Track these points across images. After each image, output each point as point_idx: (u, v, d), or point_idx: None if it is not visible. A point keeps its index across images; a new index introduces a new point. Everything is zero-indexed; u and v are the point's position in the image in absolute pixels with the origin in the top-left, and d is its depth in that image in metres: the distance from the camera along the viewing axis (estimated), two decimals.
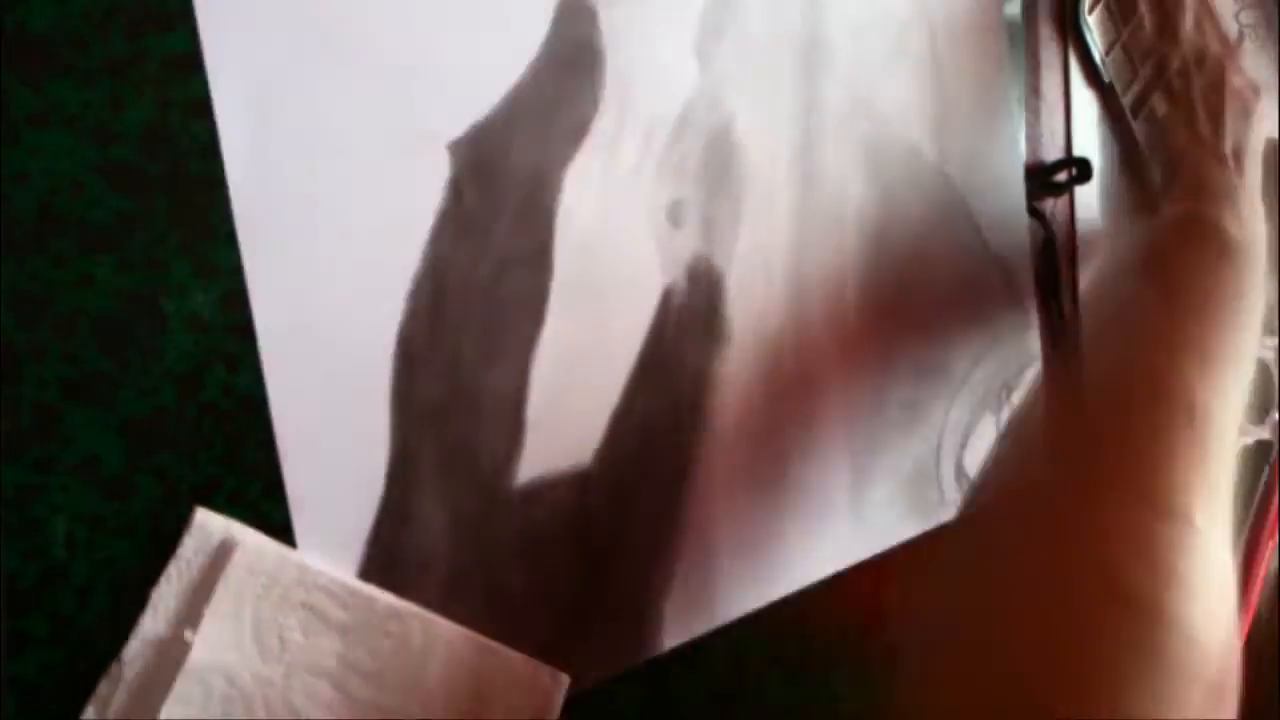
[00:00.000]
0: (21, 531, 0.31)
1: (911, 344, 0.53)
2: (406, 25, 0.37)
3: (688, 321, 0.44)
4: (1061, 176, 0.63)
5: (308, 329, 0.35)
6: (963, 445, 0.56)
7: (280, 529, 0.34)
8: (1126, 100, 0.67)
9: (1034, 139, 0.63)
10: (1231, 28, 0.77)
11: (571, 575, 0.41)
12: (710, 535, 0.45)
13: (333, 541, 0.36)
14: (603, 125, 0.42)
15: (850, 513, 0.50)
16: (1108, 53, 0.66)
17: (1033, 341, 0.59)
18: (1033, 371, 0.60)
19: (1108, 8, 0.66)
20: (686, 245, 0.44)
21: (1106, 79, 0.66)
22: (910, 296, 0.53)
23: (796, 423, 0.48)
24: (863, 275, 0.51)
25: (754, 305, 0.46)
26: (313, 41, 0.35)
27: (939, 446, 0.55)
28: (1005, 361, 0.58)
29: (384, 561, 0.37)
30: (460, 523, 0.38)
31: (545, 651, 0.40)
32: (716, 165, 0.45)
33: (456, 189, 0.38)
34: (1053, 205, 0.64)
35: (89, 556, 0.32)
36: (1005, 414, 0.59)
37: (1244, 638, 0.71)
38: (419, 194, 0.37)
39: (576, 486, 0.41)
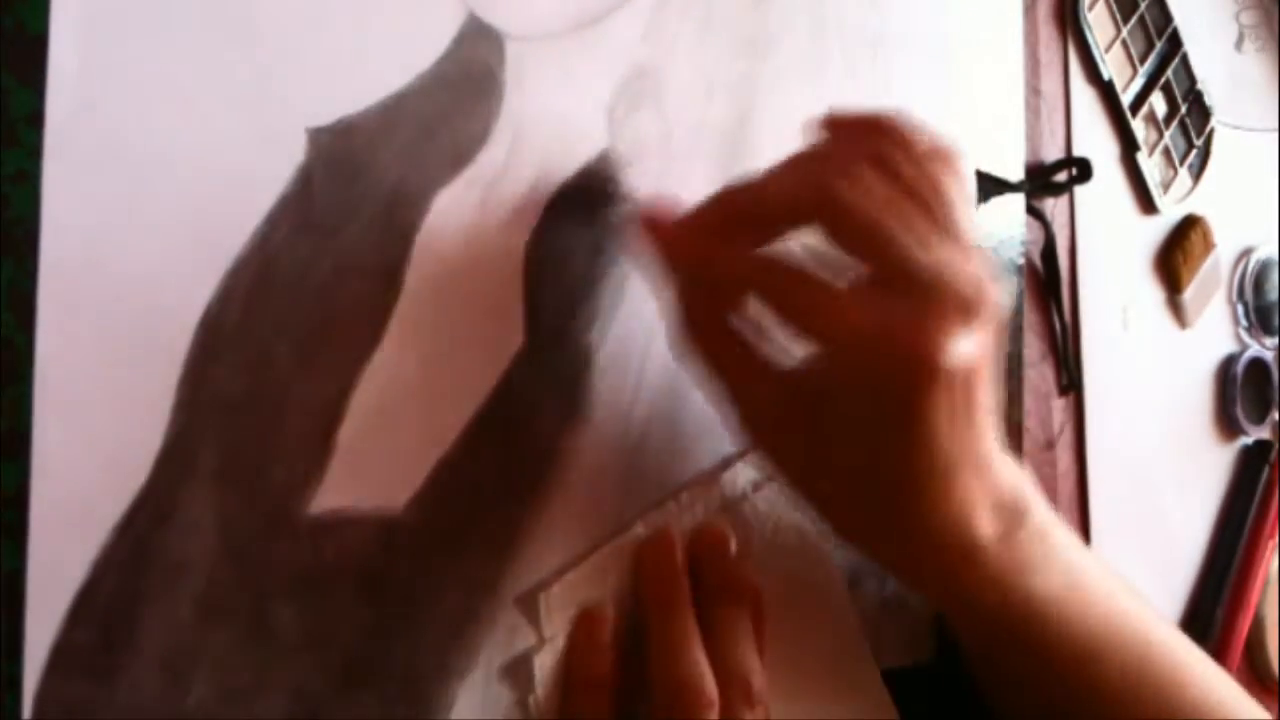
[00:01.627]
0: (22, 531, 0.30)
1: None
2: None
3: (544, 386, 0.41)
4: (1061, 176, 0.62)
5: (101, 278, 0.32)
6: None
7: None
8: (1126, 99, 0.67)
9: (1034, 139, 0.62)
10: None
11: (353, 626, 0.37)
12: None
13: (74, 518, 0.32)
14: (489, 158, 0.40)
15: None
16: (1107, 50, 0.66)
17: None
18: None
19: (1108, 4, 0.66)
20: (556, 307, 0.41)
21: (1106, 76, 0.66)
22: None
23: (641, 525, 0.44)
24: None
25: (623, 389, 0.43)
26: None
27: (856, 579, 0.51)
28: None
29: (130, 554, 0.32)
30: (231, 536, 0.34)
31: (300, 699, 0.35)
32: (605, 234, 0.42)
33: (308, 177, 0.35)
34: (1053, 205, 0.62)
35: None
36: (889, 584, 0.55)
37: (1244, 637, 0.73)
38: (263, 171, 0.35)
39: (380, 531, 0.37)
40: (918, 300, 0.36)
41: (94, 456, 0.32)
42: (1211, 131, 0.74)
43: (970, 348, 0.36)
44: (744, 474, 0.46)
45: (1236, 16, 0.79)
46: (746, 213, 0.39)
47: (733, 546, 0.43)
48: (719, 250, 0.38)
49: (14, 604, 0.30)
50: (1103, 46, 0.66)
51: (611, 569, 0.42)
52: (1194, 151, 0.73)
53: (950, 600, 0.45)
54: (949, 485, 0.38)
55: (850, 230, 0.36)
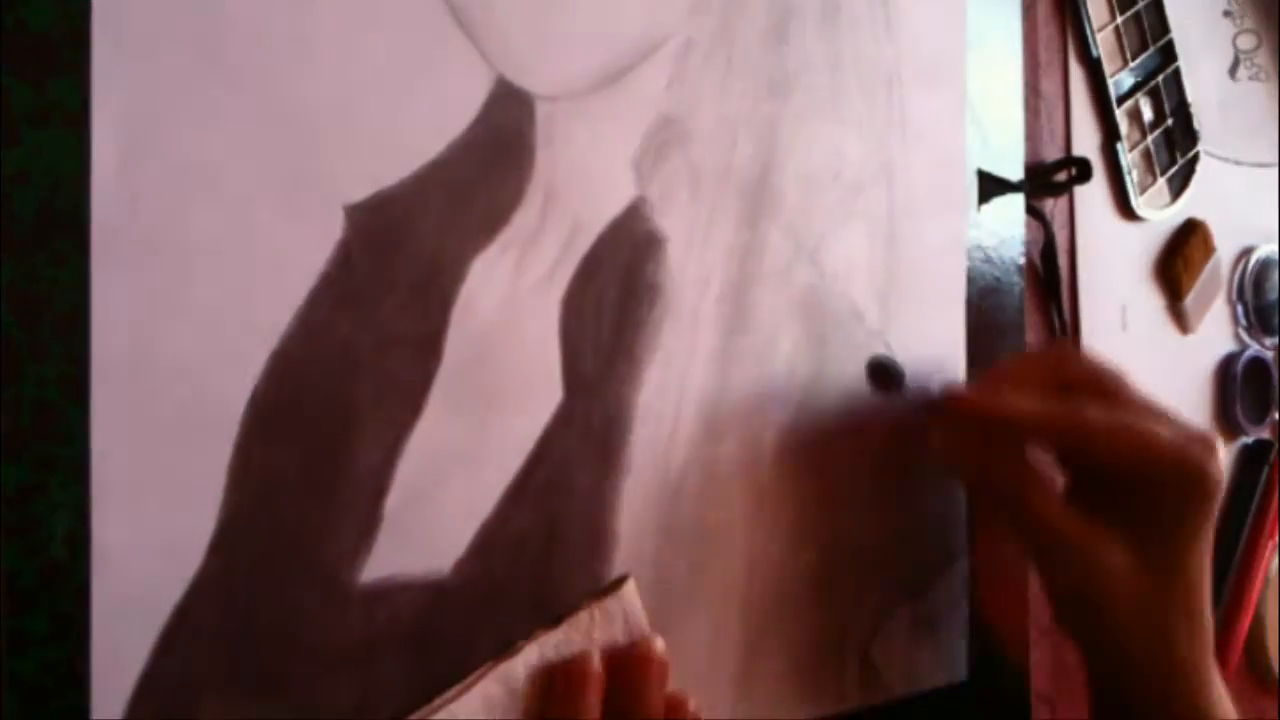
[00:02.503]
0: (21, 531, 0.31)
1: (827, 511, 0.50)
2: (324, 77, 0.35)
3: (583, 442, 0.41)
4: (1061, 176, 0.63)
5: (150, 368, 0.32)
6: (872, 635, 0.53)
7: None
8: (1113, 87, 0.67)
9: (1034, 139, 0.62)
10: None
11: (407, 690, 0.37)
12: None
13: (134, 606, 0.32)
14: (523, 220, 0.40)
15: (735, 679, 0.47)
16: (1100, 30, 0.66)
17: (958, 531, 0.56)
18: (958, 566, 0.56)
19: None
20: (592, 361, 0.42)
21: (1095, 54, 0.66)
22: (833, 461, 0.50)
23: (686, 572, 0.44)
24: (784, 430, 0.48)
25: (660, 439, 0.44)
26: (211, 72, 0.33)
27: (844, 632, 0.51)
28: (930, 548, 0.55)
29: (189, 637, 0.33)
30: (286, 612, 0.35)
31: None
32: (638, 286, 0.43)
33: (346, 254, 0.36)
34: (1052, 205, 0.62)
35: (89, 556, 0.31)
36: (923, 607, 0.55)
37: (1244, 637, 0.74)
38: (304, 252, 0.35)
39: (429, 595, 0.38)
40: (1193, 431, 0.47)
41: (151, 544, 0.32)
42: (1196, 156, 0.74)
43: (1221, 471, 0.47)
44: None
45: (1233, 40, 0.79)
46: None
47: (655, 666, 0.41)
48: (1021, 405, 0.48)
49: (13, 603, 0.30)
50: (1095, 27, 0.66)
51: (499, 701, 0.39)
52: (1176, 168, 0.73)
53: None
54: (1206, 600, 0.48)
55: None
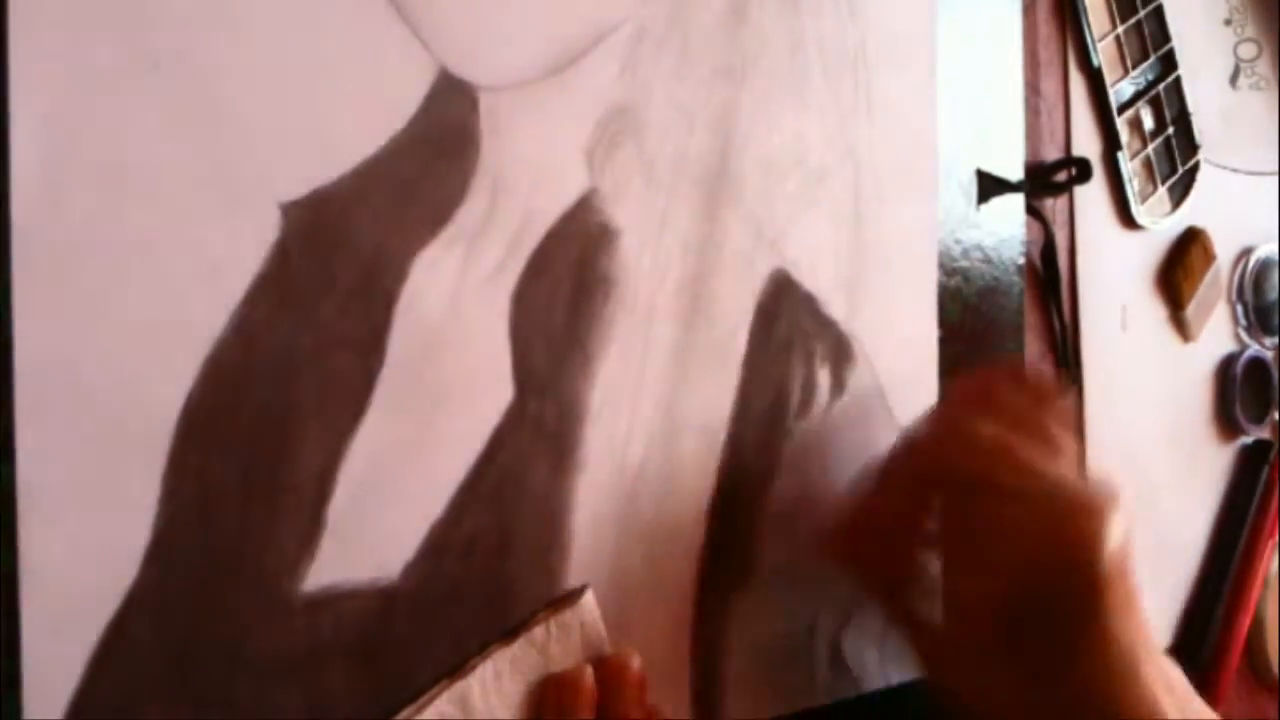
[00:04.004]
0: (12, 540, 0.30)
1: (791, 502, 0.49)
2: (258, 69, 0.34)
3: (535, 440, 0.41)
4: (1061, 176, 0.62)
5: (78, 377, 0.31)
6: (842, 627, 0.52)
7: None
8: (1114, 97, 0.67)
9: (1034, 139, 0.61)
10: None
11: (354, 698, 0.37)
12: None
13: (66, 621, 0.31)
14: (468, 215, 0.39)
15: (698, 676, 0.46)
16: (1100, 39, 0.66)
17: None
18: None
19: (1107, 3, 0.66)
20: (544, 357, 0.41)
21: (1096, 63, 0.66)
22: (798, 454, 0.49)
23: (644, 568, 0.44)
24: (746, 425, 0.47)
25: (616, 435, 0.43)
26: (138, 66, 0.32)
27: (812, 625, 0.50)
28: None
29: (125, 652, 0.32)
30: (227, 624, 0.34)
31: None
32: (590, 279, 0.42)
33: (284, 253, 0.35)
34: (1052, 205, 0.62)
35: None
36: None
37: (1244, 637, 0.74)
38: (239, 252, 0.34)
39: (377, 601, 0.37)
40: (1060, 510, 0.42)
41: (83, 558, 0.31)
42: (1197, 165, 0.73)
43: (1118, 539, 0.41)
44: None
45: (1234, 49, 0.78)
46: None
47: (633, 679, 0.41)
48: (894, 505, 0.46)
49: (11, 603, 0.30)
50: (1096, 35, 0.66)
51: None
52: (1176, 177, 0.72)
53: None
54: (1136, 668, 0.42)
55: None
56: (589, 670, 0.40)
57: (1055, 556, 0.42)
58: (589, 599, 0.41)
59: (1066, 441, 0.44)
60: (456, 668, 0.38)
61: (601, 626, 0.41)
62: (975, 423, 0.44)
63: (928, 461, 0.46)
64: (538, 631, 0.40)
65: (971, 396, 0.46)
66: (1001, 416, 0.44)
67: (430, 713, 0.37)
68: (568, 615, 0.40)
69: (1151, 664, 0.43)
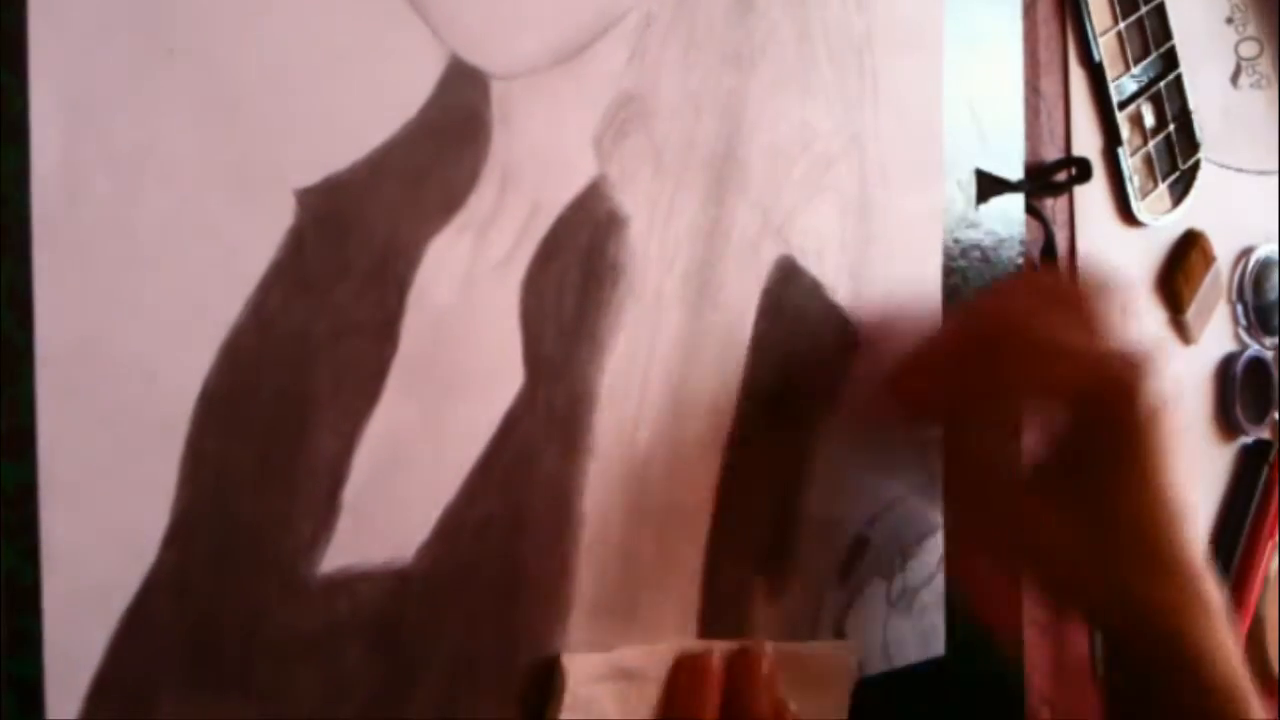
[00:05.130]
0: (21, 530, 0.30)
1: (798, 487, 0.49)
2: (272, 58, 0.35)
3: (546, 425, 0.41)
4: (1061, 176, 0.62)
5: (98, 362, 0.32)
6: (847, 606, 0.53)
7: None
8: (1115, 93, 0.67)
9: (1034, 139, 0.62)
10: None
11: (371, 679, 0.37)
12: (543, 658, 0.41)
13: (87, 603, 0.32)
14: (480, 202, 0.39)
15: None
16: (1102, 34, 0.66)
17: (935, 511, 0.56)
18: (933, 541, 0.56)
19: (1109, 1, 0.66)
20: (554, 343, 0.41)
21: (1097, 58, 0.66)
22: (806, 440, 0.50)
23: (654, 552, 0.44)
24: (754, 409, 0.48)
25: (625, 420, 0.43)
26: (155, 55, 0.32)
27: (817, 607, 0.51)
28: (904, 525, 0.55)
29: (145, 634, 0.32)
30: (244, 606, 0.34)
31: None
32: (599, 266, 0.42)
33: (298, 240, 0.35)
34: (1052, 205, 0.62)
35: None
36: (898, 583, 0.55)
37: (1244, 638, 0.74)
38: (255, 239, 0.34)
39: (391, 583, 0.37)
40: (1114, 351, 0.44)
41: (102, 540, 0.32)
42: (1197, 163, 0.73)
43: (1150, 392, 0.43)
44: None
45: (1235, 48, 0.78)
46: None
47: (765, 669, 0.44)
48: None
49: (12, 603, 0.30)
50: (1098, 31, 0.66)
51: (639, 671, 0.43)
52: (1177, 174, 0.72)
53: (1166, 628, 0.45)
54: (1180, 514, 0.44)
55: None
56: (717, 655, 0.43)
57: (1096, 405, 0.43)
58: (571, 665, 0.41)
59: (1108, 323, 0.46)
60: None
61: (604, 660, 0.42)
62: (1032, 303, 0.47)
63: (988, 320, 0.48)
64: None
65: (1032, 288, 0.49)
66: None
67: None
68: (567, 698, 0.41)
69: (1188, 519, 0.45)
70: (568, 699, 0.40)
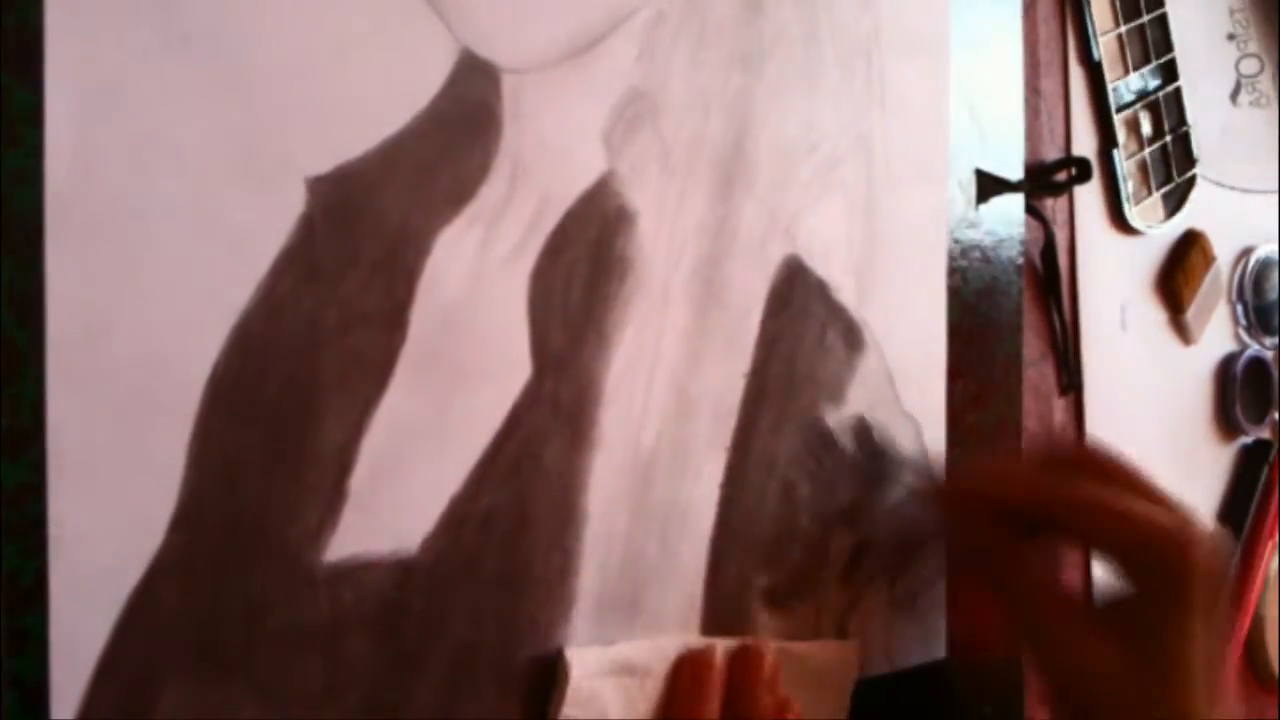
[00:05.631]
0: (21, 530, 0.30)
1: (801, 487, 0.49)
2: (286, 46, 0.35)
3: (552, 419, 0.41)
4: (1061, 176, 0.62)
5: (108, 344, 0.32)
6: (849, 607, 0.53)
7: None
8: (1113, 96, 0.67)
9: (1034, 139, 0.62)
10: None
11: (373, 669, 0.37)
12: (545, 651, 0.41)
13: (93, 584, 0.32)
14: (490, 194, 0.39)
15: None
16: (1102, 34, 0.66)
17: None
18: (935, 545, 0.56)
19: (1111, 3, 0.67)
20: (561, 336, 0.41)
21: (1096, 56, 0.66)
22: (809, 440, 0.50)
23: (657, 549, 0.44)
24: (758, 406, 0.48)
25: (631, 415, 0.43)
26: (169, 40, 0.32)
27: (819, 608, 0.51)
28: (907, 527, 0.55)
29: (149, 617, 0.33)
30: (249, 592, 0.34)
31: None
32: (607, 260, 0.42)
33: (308, 228, 0.35)
34: (1052, 205, 0.62)
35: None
36: (899, 586, 0.55)
37: (1244, 637, 0.74)
38: (265, 225, 0.35)
39: (395, 573, 0.37)
40: (1177, 514, 0.45)
41: (110, 522, 0.32)
42: (1193, 178, 0.73)
43: (1209, 562, 0.44)
44: None
45: (1236, 64, 0.78)
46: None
47: (767, 667, 0.45)
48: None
49: (12, 602, 0.30)
50: (1099, 30, 0.66)
51: (642, 666, 0.43)
52: (1171, 186, 0.72)
53: None
54: (1214, 678, 0.44)
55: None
56: (720, 652, 0.44)
57: (1157, 550, 0.44)
58: (575, 659, 0.41)
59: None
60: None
61: (608, 654, 0.42)
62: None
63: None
64: None
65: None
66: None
67: None
68: (570, 693, 0.41)
69: (1223, 682, 0.45)
70: (570, 692, 0.40)
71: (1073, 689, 0.46)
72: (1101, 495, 0.46)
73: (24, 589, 0.30)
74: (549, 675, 0.41)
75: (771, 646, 0.45)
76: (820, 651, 0.49)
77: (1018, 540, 0.48)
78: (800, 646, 0.48)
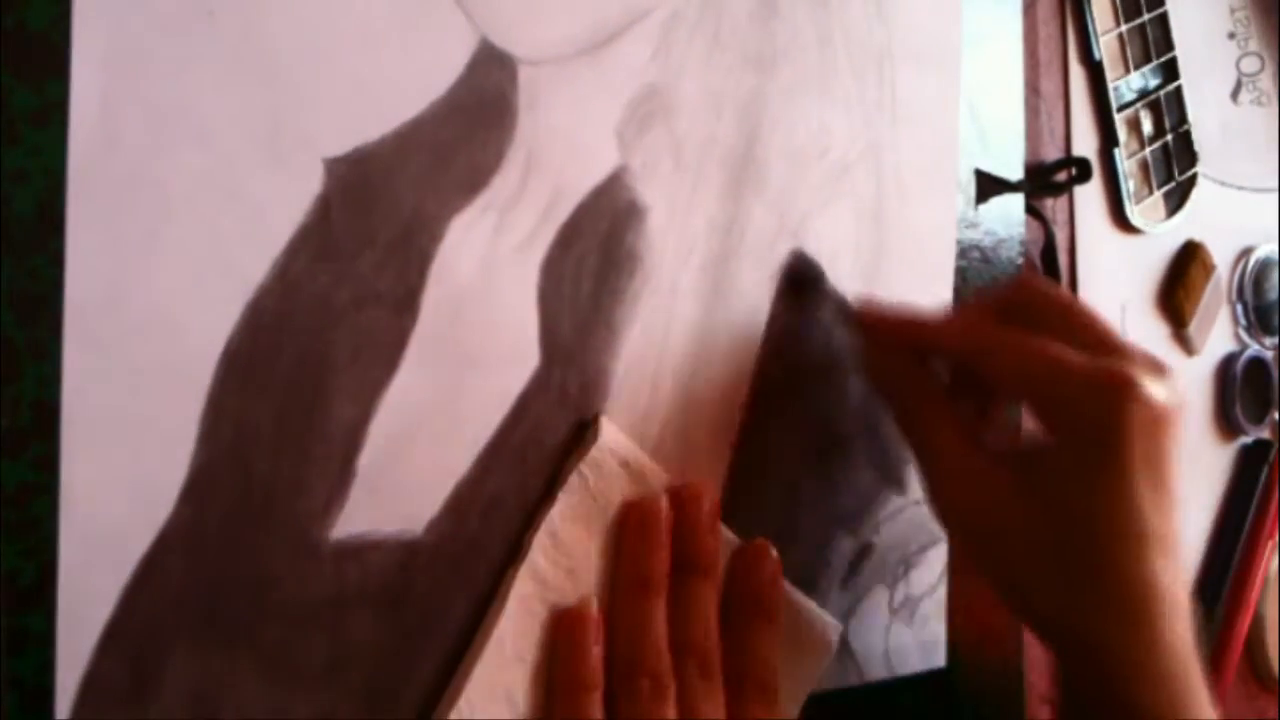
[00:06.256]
0: (21, 530, 0.31)
1: (806, 489, 0.50)
2: (309, 28, 0.35)
3: (559, 408, 0.41)
4: (1061, 176, 0.63)
5: (125, 313, 0.32)
6: (849, 612, 0.53)
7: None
8: (1114, 95, 0.67)
9: (1034, 139, 0.62)
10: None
11: (377, 648, 0.37)
12: None
13: (102, 551, 0.32)
14: (503, 183, 0.40)
15: None
16: (1103, 34, 0.66)
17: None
18: (936, 551, 0.56)
19: (1112, 2, 0.67)
20: (570, 328, 0.42)
21: (1097, 55, 0.66)
22: (816, 441, 0.50)
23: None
24: (765, 404, 0.48)
25: (637, 406, 0.44)
26: (195, 16, 0.33)
27: (821, 608, 0.51)
28: (908, 533, 0.55)
29: (158, 586, 0.33)
30: (256, 565, 0.35)
31: None
32: (618, 255, 0.43)
33: (325, 207, 0.36)
34: (1052, 205, 0.62)
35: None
36: (900, 591, 0.55)
37: (1244, 637, 0.74)
38: (283, 202, 0.35)
39: (400, 553, 0.38)
40: (1118, 356, 0.43)
41: (120, 490, 0.32)
42: (1194, 177, 0.73)
43: (1168, 394, 0.42)
44: None
45: (1237, 63, 0.79)
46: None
47: (707, 506, 0.43)
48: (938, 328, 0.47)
49: (12, 603, 0.31)
50: (1099, 29, 0.66)
51: (649, 481, 0.43)
52: (1172, 185, 0.72)
53: (1124, 644, 0.43)
54: (1158, 532, 0.42)
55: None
56: (665, 496, 0.42)
57: (1102, 387, 0.42)
58: (604, 425, 0.42)
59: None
60: (514, 552, 0.40)
61: (634, 447, 0.43)
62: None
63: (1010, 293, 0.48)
64: (573, 480, 0.41)
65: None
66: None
67: (511, 600, 0.39)
68: (594, 453, 0.41)
69: (1172, 533, 0.43)
70: (594, 453, 0.41)
71: (974, 532, 0.45)
72: (1028, 341, 0.43)
73: (24, 589, 0.31)
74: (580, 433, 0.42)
75: (710, 485, 0.45)
76: (803, 614, 0.48)
77: (934, 380, 0.47)
78: (791, 595, 0.48)
